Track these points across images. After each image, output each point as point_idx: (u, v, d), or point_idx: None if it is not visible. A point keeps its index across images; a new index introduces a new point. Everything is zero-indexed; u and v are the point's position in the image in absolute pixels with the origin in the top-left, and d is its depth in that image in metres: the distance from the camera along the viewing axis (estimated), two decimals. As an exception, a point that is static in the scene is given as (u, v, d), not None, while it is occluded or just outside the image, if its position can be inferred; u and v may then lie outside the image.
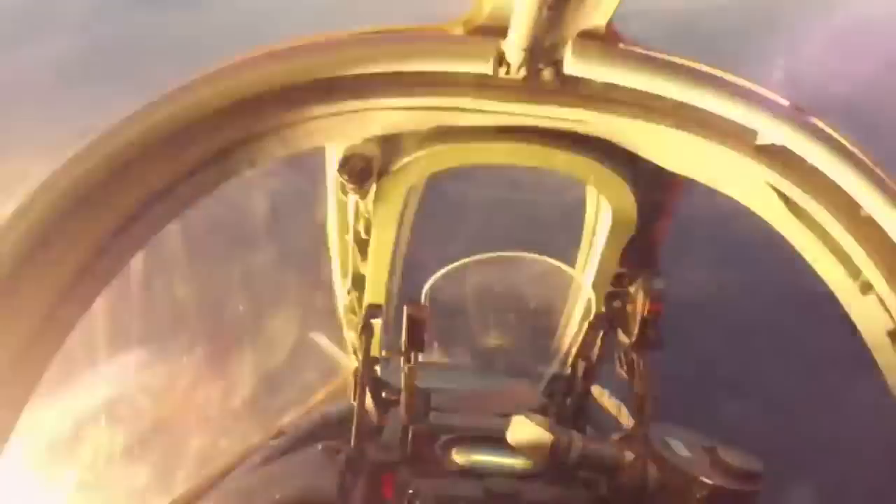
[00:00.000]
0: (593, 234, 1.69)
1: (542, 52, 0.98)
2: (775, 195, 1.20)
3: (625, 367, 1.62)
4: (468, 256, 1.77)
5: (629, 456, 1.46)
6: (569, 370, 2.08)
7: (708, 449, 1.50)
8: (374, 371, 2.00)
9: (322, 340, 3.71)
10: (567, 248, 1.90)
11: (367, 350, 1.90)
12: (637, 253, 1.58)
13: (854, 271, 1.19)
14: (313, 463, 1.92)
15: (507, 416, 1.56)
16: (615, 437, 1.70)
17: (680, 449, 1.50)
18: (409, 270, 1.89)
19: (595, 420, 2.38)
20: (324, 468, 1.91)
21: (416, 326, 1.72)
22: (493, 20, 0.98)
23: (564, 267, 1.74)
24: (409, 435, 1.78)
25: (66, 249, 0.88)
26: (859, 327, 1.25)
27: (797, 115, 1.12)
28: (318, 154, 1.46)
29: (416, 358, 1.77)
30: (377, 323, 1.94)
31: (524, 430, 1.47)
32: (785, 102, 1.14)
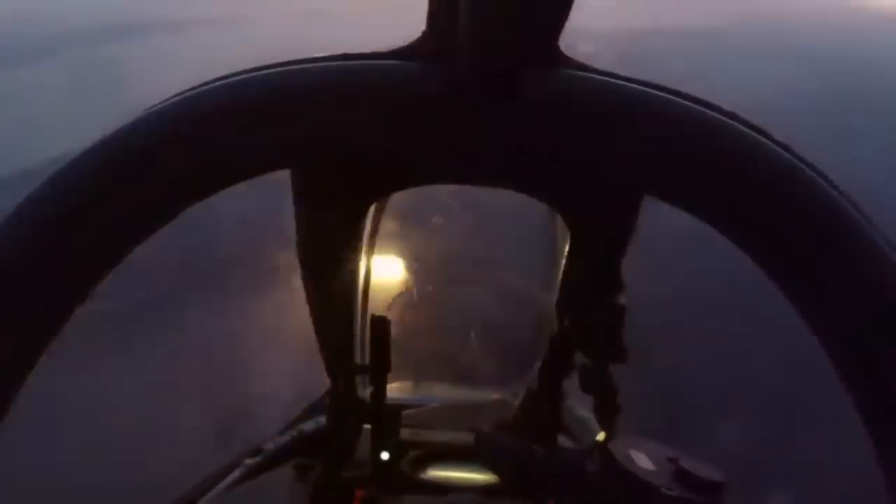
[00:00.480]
0: (554, 251, 1.72)
1: (491, 76, 0.98)
2: None
3: (588, 382, 1.64)
4: (436, 274, 1.79)
5: (592, 469, 1.48)
6: (537, 384, 2.10)
7: (671, 459, 1.51)
8: (349, 388, 2.01)
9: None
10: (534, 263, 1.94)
11: (339, 368, 1.91)
12: (599, 268, 1.60)
13: None
14: (284, 483, 1.93)
15: (477, 431, 1.58)
16: (581, 450, 1.72)
17: (643, 461, 1.52)
18: (374, 287, 1.92)
19: (574, 432, 2.41)
20: (294, 488, 1.92)
21: (380, 343, 1.73)
22: (441, 46, 0.99)
23: (524, 284, 1.77)
24: (378, 453, 1.81)
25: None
26: None
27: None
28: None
29: (383, 375, 1.79)
30: (350, 339, 1.96)
31: (488, 444, 1.49)
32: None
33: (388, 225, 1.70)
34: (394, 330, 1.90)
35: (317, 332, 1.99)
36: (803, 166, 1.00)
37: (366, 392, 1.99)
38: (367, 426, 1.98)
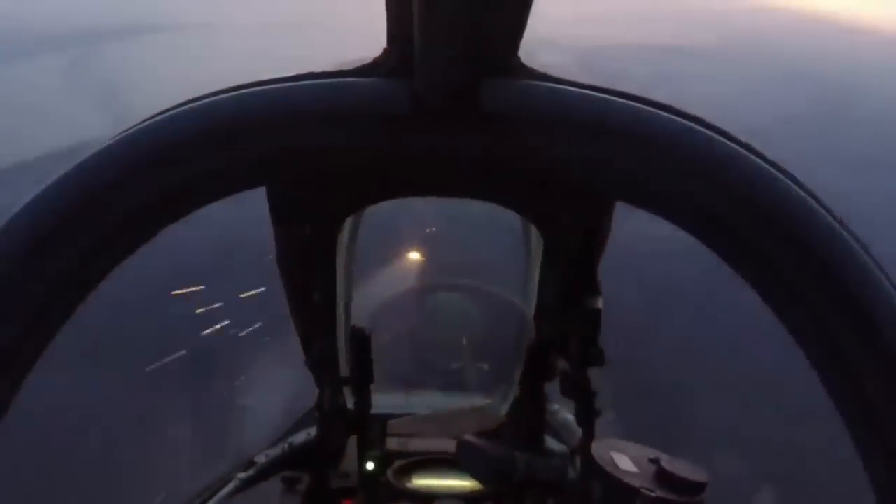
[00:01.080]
0: (531, 258, 1.74)
1: (452, 89, 1.00)
2: None
3: (567, 387, 1.66)
4: (414, 282, 1.81)
5: (573, 473, 1.49)
6: (520, 390, 2.12)
7: (653, 461, 1.53)
8: (335, 399, 2.03)
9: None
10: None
11: (325, 380, 1.93)
12: (575, 274, 1.62)
13: None
14: (275, 495, 1.94)
15: (460, 439, 1.59)
16: (563, 454, 1.74)
17: (625, 463, 1.53)
18: (360, 298, 1.94)
19: (558, 436, 2.43)
20: (284, 500, 1.93)
21: (361, 355, 1.75)
22: (403, 61, 1.00)
23: (502, 292, 1.79)
24: (364, 463, 1.82)
25: None
26: None
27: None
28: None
29: (366, 386, 1.80)
30: (334, 351, 1.97)
31: (470, 452, 1.51)
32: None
33: (366, 236, 1.72)
34: (377, 339, 1.91)
35: (302, 344, 2.00)
36: (765, 164, 1.02)
37: (352, 403, 2.01)
38: (354, 436, 1.99)
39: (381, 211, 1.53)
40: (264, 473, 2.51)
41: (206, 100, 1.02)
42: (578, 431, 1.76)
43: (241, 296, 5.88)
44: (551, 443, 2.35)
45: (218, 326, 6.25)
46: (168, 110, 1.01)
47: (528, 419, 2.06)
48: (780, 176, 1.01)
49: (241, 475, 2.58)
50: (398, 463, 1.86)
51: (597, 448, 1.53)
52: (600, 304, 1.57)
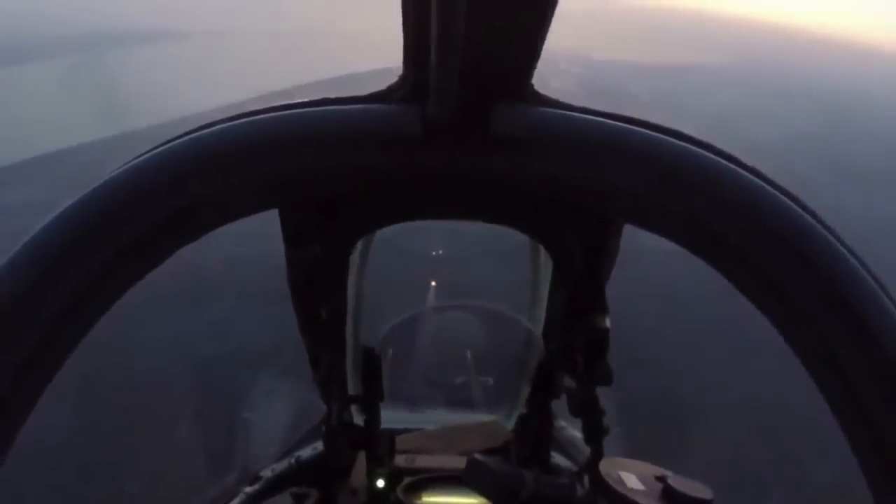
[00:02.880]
0: (538, 278, 1.76)
1: (465, 114, 1.02)
2: None
3: (575, 405, 1.67)
4: (424, 302, 1.83)
5: (581, 491, 1.50)
6: (526, 408, 2.13)
7: (659, 478, 1.54)
8: (343, 415, 2.04)
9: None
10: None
11: (333, 396, 1.95)
12: (583, 292, 1.63)
13: None
14: None
15: (468, 456, 1.60)
16: (571, 472, 1.75)
17: (631, 481, 1.54)
18: (370, 317, 1.95)
19: (566, 453, 2.44)
20: None
21: (371, 374, 1.77)
22: (418, 87, 1.03)
23: (510, 312, 1.81)
24: (374, 480, 1.83)
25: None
26: None
27: None
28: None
29: (375, 404, 1.82)
30: (342, 368, 1.99)
31: (478, 470, 1.52)
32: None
33: (377, 256, 1.74)
34: (388, 357, 1.93)
35: (311, 362, 2.02)
36: (768, 186, 1.05)
37: (360, 419, 2.02)
38: (363, 452, 2.01)
39: (391, 231, 1.56)
40: (271, 488, 2.52)
41: (225, 124, 1.05)
42: (585, 448, 1.77)
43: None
44: (558, 459, 2.36)
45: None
46: (187, 134, 1.05)
47: (535, 436, 2.07)
48: (783, 198, 1.03)
49: (248, 489, 2.59)
50: (408, 480, 1.88)
51: (604, 466, 1.55)
52: (608, 323, 1.59)
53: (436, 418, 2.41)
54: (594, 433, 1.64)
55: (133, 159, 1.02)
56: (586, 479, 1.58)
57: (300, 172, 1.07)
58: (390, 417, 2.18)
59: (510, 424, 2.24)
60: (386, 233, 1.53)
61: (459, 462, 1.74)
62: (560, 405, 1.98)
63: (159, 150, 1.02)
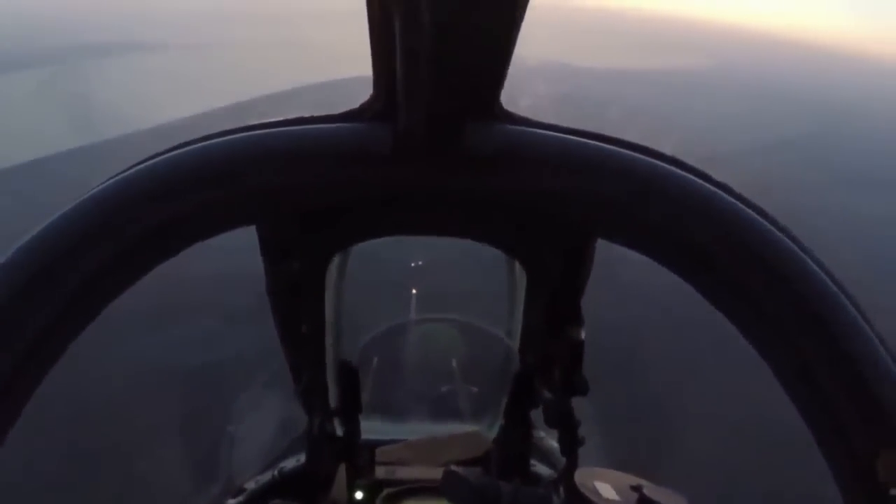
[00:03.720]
0: (515, 291, 1.78)
1: (436, 133, 1.04)
2: None
3: (550, 416, 1.69)
4: (403, 315, 1.84)
5: (557, 502, 1.52)
6: (504, 419, 2.15)
7: (635, 488, 1.55)
8: (325, 427, 2.05)
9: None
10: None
11: (314, 408, 1.96)
12: (558, 304, 1.66)
13: None
14: None
15: (445, 468, 1.61)
16: (547, 482, 1.76)
17: (607, 491, 1.55)
18: (349, 330, 1.97)
19: (544, 463, 2.45)
20: None
21: (348, 386, 1.78)
22: (388, 106, 1.05)
23: (485, 324, 1.83)
24: (353, 491, 1.84)
25: None
26: None
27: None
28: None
29: (355, 416, 1.83)
30: (323, 381, 2.00)
31: (454, 482, 1.53)
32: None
33: (358, 268, 1.76)
34: (367, 370, 1.94)
35: (291, 373, 2.03)
36: (735, 200, 1.08)
37: (341, 431, 2.03)
38: (344, 464, 2.02)
39: (369, 246, 1.58)
40: (255, 500, 2.51)
41: (202, 143, 1.07)
42: (562, 459, 1.79)
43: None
44: (541, 468, 2.37)
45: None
46: (163, 153, 1.06)
47: (515, 446, 2.09)
48: (750, 212, 1.06)
49: (231, 501, 2.59)
50: (387, 491, 1.89)
51: (580, 476, 1.56)
52: (583, 335, 1.61)
53: (419, 429, 2.42)
54: (569, 444, 1.66)
55: (110, 178, 1.04)
56: (562, 489, 1.59)
57: (275, 190, 1.08)
58: (374, 429, 2.19)
59: (493, 434, 2.26)
60: (367, 246, 1.55)
61: (440, 473, 1.75)
62: (540, 415, 2.00)
63: (139, 167, 1.04)
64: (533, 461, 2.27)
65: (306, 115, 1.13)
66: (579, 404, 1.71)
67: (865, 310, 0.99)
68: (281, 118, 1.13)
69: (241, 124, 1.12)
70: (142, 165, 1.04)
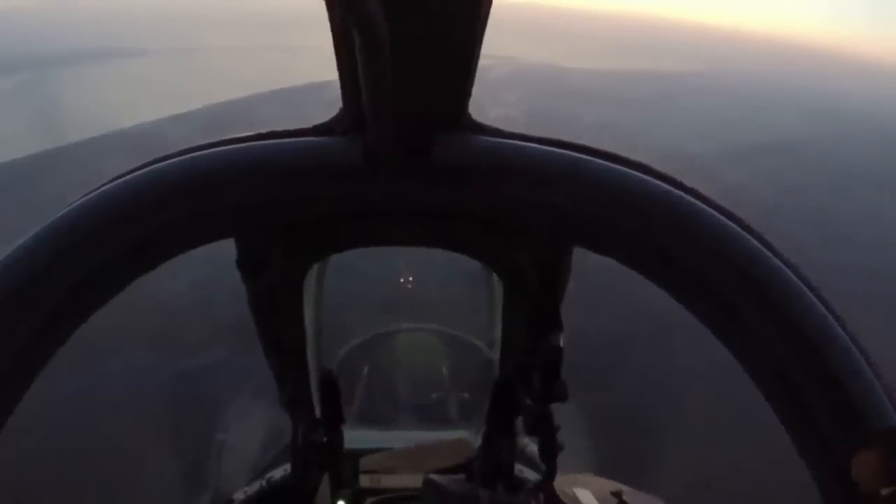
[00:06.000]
0: (493, 300, 1.79)
1: (405, 145, 1.05)
2: None
3: (530, 423, 1.70)
4: (383, 326, 1.85)
5: None
6: (487, 425, 2.15)
7: (615, 494, 1.57)
8: (310, 436, 2.05)
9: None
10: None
11: (299, 418, 1.96)
12: (537, 312, 1.66)
13: None
14: None
15: (426, 476, 1.62)
16: (527, 489, 1.77)
17: (586, 497, 1.56)
18: (330, 340, 1.98)
19: (527, 470, 2.46)
20: None
21: (330, 396, 1.79)
22: (357, 119, 1.06)
23: (464, 333, 1.84)
24: (336, 500, 1.85)
25: None
26: None
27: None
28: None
29: (337, 425, 1.84)
30: (307, 391, 2.01)
31: (433, 490, 1.54)
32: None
33: (334, 279, 1.77)
34: (351, 379, 1.95)
35: (276, 383, 2.04)
36: (705, 206, 1.09)
37: (325, 440, 2.03)
38: (328, 474, 2.02)
39: (347, 257, 1.58)
40: None
41: (176, 158, 1.08)
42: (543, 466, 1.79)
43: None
44: (529, 473, 2.37)
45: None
46: (136, 170, 1.07)
47: (498, 453, 2.10)
48: (723, 219, 1.08)
49: None
50: (370, 501, 1.89)
51: (560, 483, 1.57)
52: (562, 341, 1.61)
53: (406, 437, 2.42)
54: (549, 451, 1.67)
55: (85, 195, 1.04)
56: (541, 495, 1.60)
57: (248, 206, 1.09)
58: (360, 438, 2.19)
59: (476, 441, 2.26)
60: (347, 257, 1.56)
61: (420, 482, 1.76)
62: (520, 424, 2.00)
63: (113, 183, 1.05)
64: (520, 467, 2.28)
65: (279, 129, 1.14)
66: (560, 410, 1.72)
67: (840, 313, 1.01)
68: (253, 132, 1.13)
69: (215, 138, 1.14)
70: (119, 181, 1.05)
